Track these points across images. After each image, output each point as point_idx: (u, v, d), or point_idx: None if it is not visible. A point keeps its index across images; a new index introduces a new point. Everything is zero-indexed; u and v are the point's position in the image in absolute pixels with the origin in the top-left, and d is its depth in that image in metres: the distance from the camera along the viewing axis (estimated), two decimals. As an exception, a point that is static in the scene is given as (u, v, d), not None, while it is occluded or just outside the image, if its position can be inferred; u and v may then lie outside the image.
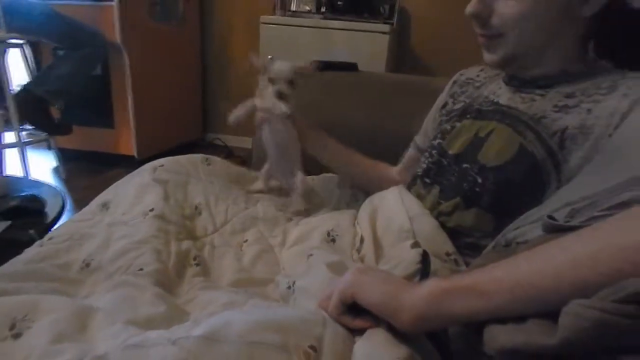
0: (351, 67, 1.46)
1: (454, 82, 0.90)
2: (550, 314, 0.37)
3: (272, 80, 0.84)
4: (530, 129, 0.66)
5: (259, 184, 0.96)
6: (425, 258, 0.54)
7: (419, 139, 0.97)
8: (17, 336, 0.43)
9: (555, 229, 0.47)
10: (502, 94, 0.75)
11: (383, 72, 2.06)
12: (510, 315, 0.40)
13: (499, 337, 0.39)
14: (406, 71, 2.48)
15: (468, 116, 0.78)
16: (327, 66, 1.39)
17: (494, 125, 0.71)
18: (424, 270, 0.53)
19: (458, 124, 0.79)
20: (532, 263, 0.40)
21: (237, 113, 0.88)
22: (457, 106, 0.84)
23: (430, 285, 0.44)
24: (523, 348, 0.36)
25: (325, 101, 1.25)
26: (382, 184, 0.95)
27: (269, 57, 0.90)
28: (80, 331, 0.45)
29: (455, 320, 0.45)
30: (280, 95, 0.83)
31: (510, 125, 0.69)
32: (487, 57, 0.72)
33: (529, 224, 0.55)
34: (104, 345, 0.42)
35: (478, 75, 0.85)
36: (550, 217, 0.48)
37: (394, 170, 1.00)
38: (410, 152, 0.99)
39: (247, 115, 0.88)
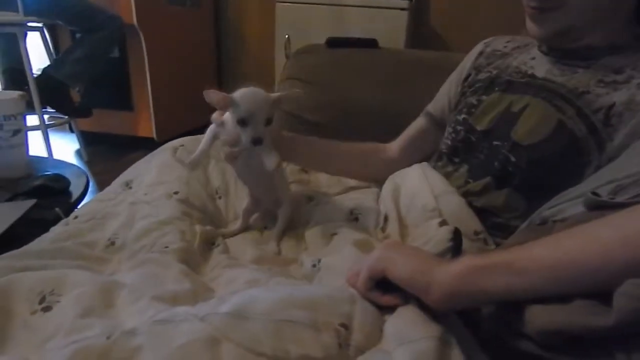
0: (370, 43, 1.42)
1: (480, 53, 0.84)
2: (593, 294, 0.36)
3: (242, 122, 0.63)
4: (570, 104, 0.62)
5: (235, 225, 0.77)
6: (456, 236, 0.52)
7: (433, 109, 0.88)
8: (47, 309, 0.43)
9: (598, 206, 0.44)
10: (538, 66, 0.70)
11: (402, 49, 2.01)
12: (550, 295, 0.38)
13: (541, 317, 0.37)
14: (425, 49, 2.42)
15: (497, 89, 0.73)
16: (344, 43, 1.35)
17: (528, 100, 0.67)
18: (455, 248, 0.51)
19: (485, 98, 0.74)
20: (576, 241, 0.38)
21: (196, 157, 0.67)
22: (482, 76, 0.78)
23: (464, 261, 0.42)
24: (570, 329, 0.35)
25: (340, 79, 1.21)
26: (379, 167, 0.87)
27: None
28: (107, 306, 0.45)
29: (490, 298, 0.43)
30: (257, 141, 0.63)
31: (546, 100, 0.65)
32: (536, 30, 0.67)
33: (566, 202, 0.52)
34: (131, 321, 0.42)
35: (505, 47, 0.80)
36: (593, 193, 0.45)
37: (392, 148, 0.89)
38: (420, 123, 0.89)
39: (208, 153, 0.71)
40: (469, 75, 0.83)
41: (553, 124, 0.62)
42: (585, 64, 0.65)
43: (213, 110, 0.68)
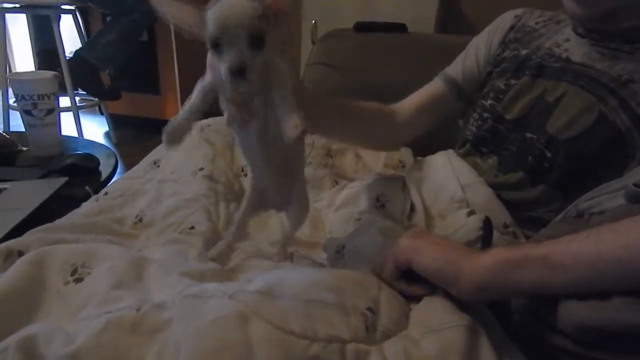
0: (399, 28, 1.38)
1: (511, 27, 0.74)
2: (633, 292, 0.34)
3: (215, 45, 0.42)
4: (613, 94, 0.58)
5: (219, 249, 0.58)
6: (487, 225, 0.51)
7: (460, 77, 0.77)
8: (78, 280, 0.45)
9: (640, 198, 0.42)
10: (574, 48, 0.64)
11: (431, 33, 1.96)
12: (586, 291, 0.36)
13: (579, 313, 0.35)
14: (456, 35, 2.34)
15: (527, 72, 0.67)
16: (372, 27, 1.32)
17: (565, 88, 0.62)
18: (485, 237, 0.50)
19: (514, 82, 0.68)
20: (619, 236, 0.35)
21: (174, 124, 0.46)
22: (510, 54, 0.71)
23: (496, 253, 0.41)
24: (611, 327, 0.33)
25: (368, 64, 1.19)
26: (385, 133, 0.76)
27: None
28: (137, 279, 0.46)
29: (521, 292, 0.42)
30: (237, 71, 0.41)
31: (585, 89, 0.60)
32: (579, 10, 0.60)
33: (605, 194, 0.50)
34: (161, 294, 0.43)
35: (537, 23, 0.73)
36: (635, 184, 0.43)
37: (400, 111, 0.76)
38: (438, 87, 0.77)
39: (195, 119, 0.47)
40: (496, 52, 0.75)
41: (594, 115, 0.58)
42: (629, 48, 0.59)
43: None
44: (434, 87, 0.78)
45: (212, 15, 0.41)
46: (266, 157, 0.51)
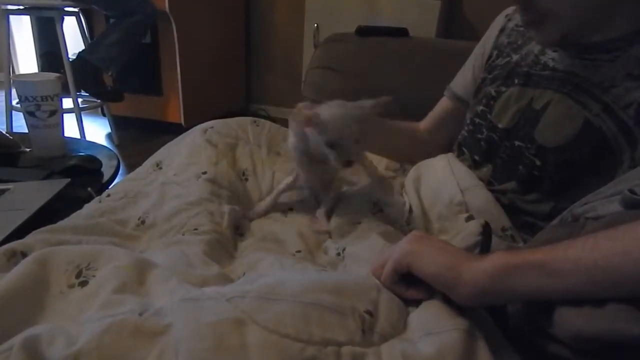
0: (401, 32, 1.39)
1: (501, 30, 0.77)
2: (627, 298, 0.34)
3: (331, 145, 0.61)
4: (596, 100, 0.58)
5: (264, 203, 0.77)
6: (486, 230, 0.51)
7: (456, 87, 0.84)
8: (83, 284, 0.45)
9: (636, 204, 0.42)
10: (558, 57, 0.65)
11: (433, 38, 1.96)
12: (584, 298, 0.36)
13: (574, 321, 0.35)
14: (458, 38, 2.35)
15: (516, 81, 0.68)
16: (374, 31, 1.33)
17: (551, 96, 0.62)
18: (484, 242, 0.50)
19: (504, 89, 0.69)
20: (616, 243, 0.36)
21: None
22: (502, 61, 0.73)
23: (495, 258, 0.41)
24: (608, 336, 0.33)
25: (369, 68, 1.20)
26: (410, 148, 0.87)
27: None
28: (140, 284, 0.46)
29: (520, 298, 0.42)
30: (348, 165, 0.62)
31: (570, 96, 0.60)
32: (539, 38, 0.63)
33: (600, 200, 0.50)
34: (162, 300, 0.43)
35: None
36: (631, 190, 0.43)
37: (420, 127, 0.87)
38: (444, 103, 0.86)
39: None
40: (490, 57, 0.77)
41: (579, 123, 0.58)
42: (610, 57, 0.58)
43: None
44: (443, 105, 0.86)
45: (329, 123, 0.62)
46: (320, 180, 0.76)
